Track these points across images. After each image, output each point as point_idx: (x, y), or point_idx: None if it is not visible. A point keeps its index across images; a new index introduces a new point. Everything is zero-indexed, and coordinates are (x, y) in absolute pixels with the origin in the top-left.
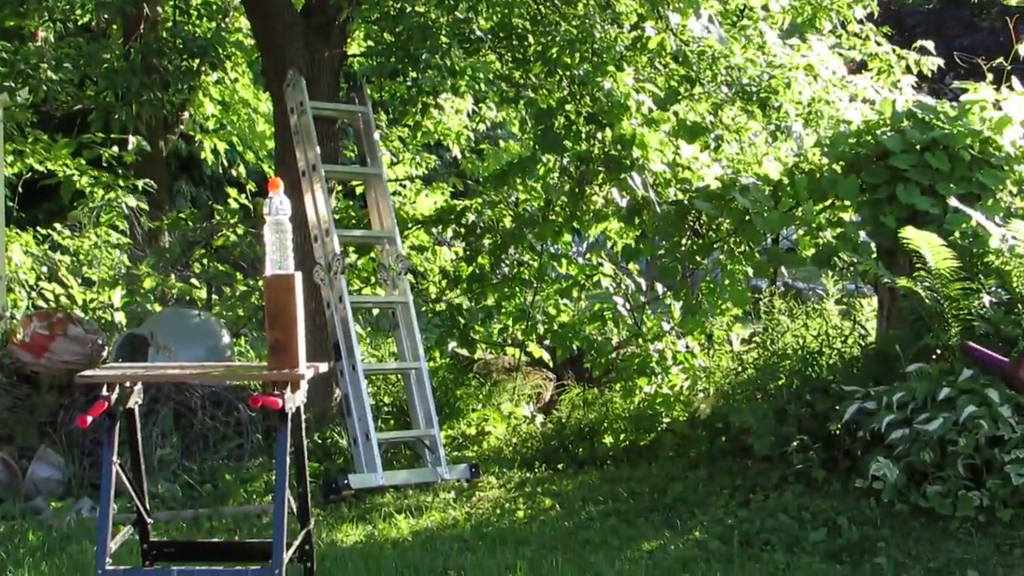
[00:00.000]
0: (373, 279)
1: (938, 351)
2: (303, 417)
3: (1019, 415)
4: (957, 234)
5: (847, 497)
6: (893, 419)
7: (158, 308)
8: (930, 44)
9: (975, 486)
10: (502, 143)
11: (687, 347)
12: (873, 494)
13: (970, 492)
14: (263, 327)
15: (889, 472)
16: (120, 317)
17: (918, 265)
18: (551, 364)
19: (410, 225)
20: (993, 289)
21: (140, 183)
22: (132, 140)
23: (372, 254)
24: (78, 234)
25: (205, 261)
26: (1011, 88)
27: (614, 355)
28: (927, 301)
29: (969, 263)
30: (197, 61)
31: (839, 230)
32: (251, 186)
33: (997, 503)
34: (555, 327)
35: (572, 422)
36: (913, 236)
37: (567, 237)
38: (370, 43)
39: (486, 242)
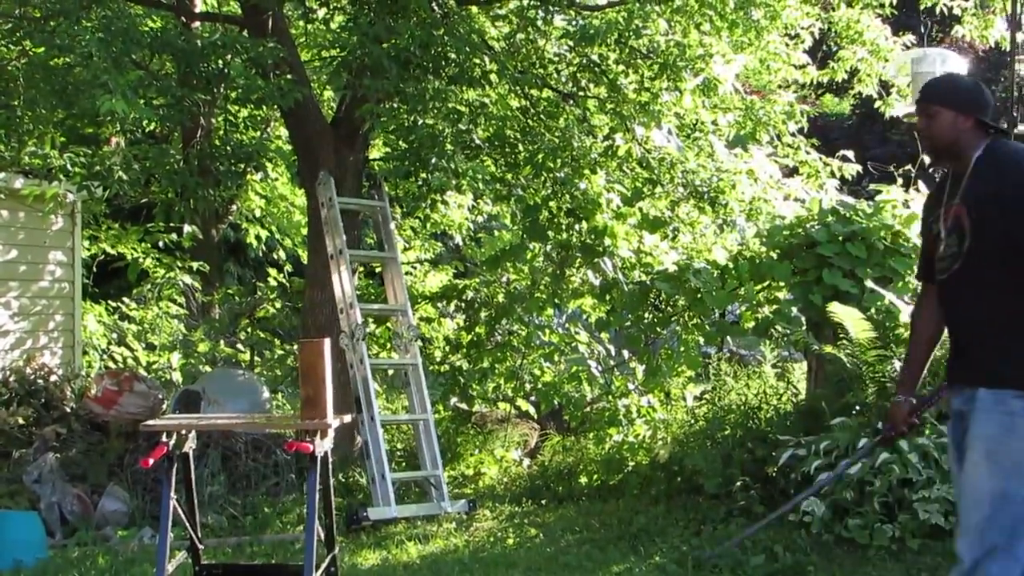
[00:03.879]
0: (389, 345)
1: (857, 407)
2: (330, 460)
3: (925, 461)
4: (873, 310)
5: (782, 528)
6: (820, 463)
7: (209, 368)
8: (850, 153)
9: (889, 520)
10: (496, 233)
11: (649, 403)
12: (804, 526)
13: (884, 525)
14: (297, 384)
15: (817, 508)
16: (177, 376)
17: (841, 336)
18: (536, 416)
19: (419, 300)
20: (903, 356)
21: (195, 264)
22: (188, 228)
23: (388, 324)
24: (143, 307)
25: (249, 329)
26: (917, 190)
27: (588, 409)
28: (848, 365)
29: (883, 334)
30: (244, 164)
31: (775, 306)
32: (288, 267)
33: (907, 535)
34: (539, 385)
35: (553, 465)
36: (837, 311)
37: (549, 311)
38: (388, 149)
39: (482, 315)
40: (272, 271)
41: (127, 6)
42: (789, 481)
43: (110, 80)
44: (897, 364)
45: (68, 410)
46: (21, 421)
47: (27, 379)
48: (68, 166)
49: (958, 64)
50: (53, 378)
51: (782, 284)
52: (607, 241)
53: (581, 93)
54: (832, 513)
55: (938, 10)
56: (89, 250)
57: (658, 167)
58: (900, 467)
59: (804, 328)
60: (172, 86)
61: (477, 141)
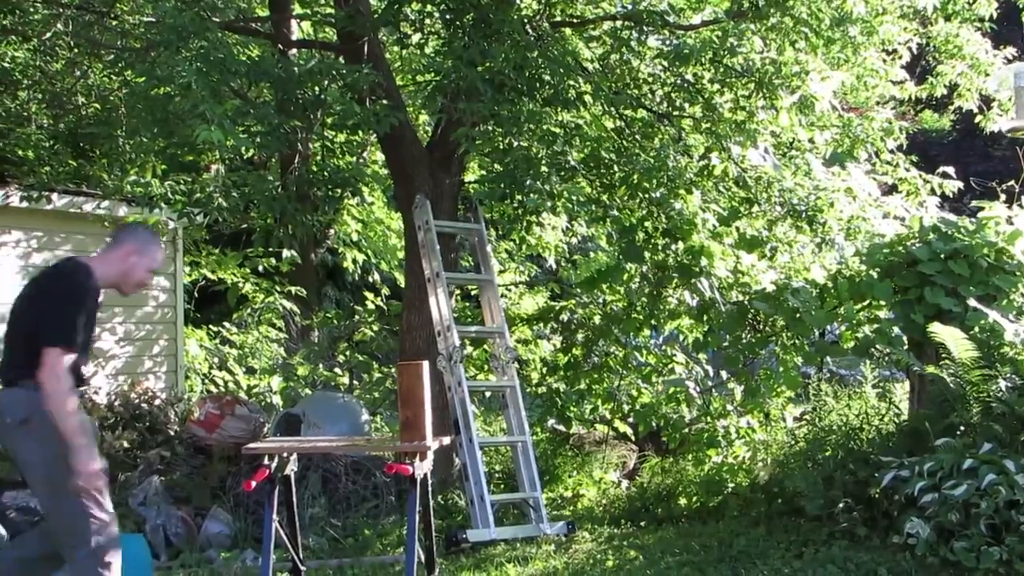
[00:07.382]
0: (486, 367)
1: (962, 428)
2: (429, 482)
3: None
4: (976, 329)
5: (886, 551)
6: (924, 485)
7: (309, 392)
8: (951, 170)
9: (996, 543)
10: (592, 254)
11: (748, 424)
12: (908, 548)
13: (991, 548)
14: (396, 407)
15: (922, 530)
16: (278, 399)
17: (943, 355)
18: (634, 438)
19: (516, 322)
20: (1008, 375)
21: (293, 289)
22: (287, 253)
23: (485, 346)
24: (243, 331)
25: (347, 353)
26: (1021, 207)
27: (687, 430)
28: (951, 385)
29: (987, 353)
30: (341, 189)
31: (876, 326)
32: (385, 290)
33: (1015, 557)
34: (637, 407)
35: (652, 486)
36: (939, 331)
37: (646, 332)
38: (483, 172)
39: (579, 336)
40: (369, 295)
41: (225, 36)
42: (892, 503)
43: (208, 109)
44: (1003, 383)
45: (172, 433)
46: (126, 445)
47: (132, 403)
48: (169, 194)
49: None
50: (157, 402)
51: (883, 303)
52: (704, 261)
53: (676, 113)
54: (937, 535)
55: None
56: (190, 276)
57: (755, 186)
58: (1007, 488)
59: (906, 348)
60: (270, 113)
61: (572, 162)
